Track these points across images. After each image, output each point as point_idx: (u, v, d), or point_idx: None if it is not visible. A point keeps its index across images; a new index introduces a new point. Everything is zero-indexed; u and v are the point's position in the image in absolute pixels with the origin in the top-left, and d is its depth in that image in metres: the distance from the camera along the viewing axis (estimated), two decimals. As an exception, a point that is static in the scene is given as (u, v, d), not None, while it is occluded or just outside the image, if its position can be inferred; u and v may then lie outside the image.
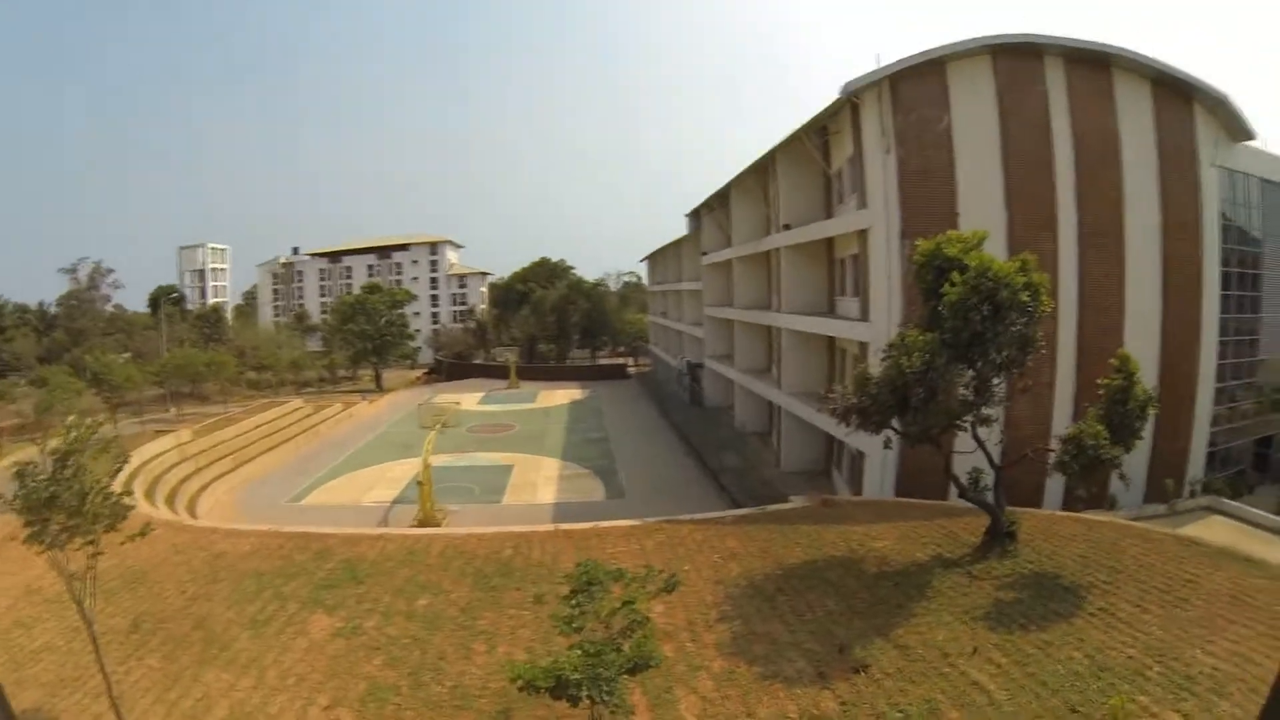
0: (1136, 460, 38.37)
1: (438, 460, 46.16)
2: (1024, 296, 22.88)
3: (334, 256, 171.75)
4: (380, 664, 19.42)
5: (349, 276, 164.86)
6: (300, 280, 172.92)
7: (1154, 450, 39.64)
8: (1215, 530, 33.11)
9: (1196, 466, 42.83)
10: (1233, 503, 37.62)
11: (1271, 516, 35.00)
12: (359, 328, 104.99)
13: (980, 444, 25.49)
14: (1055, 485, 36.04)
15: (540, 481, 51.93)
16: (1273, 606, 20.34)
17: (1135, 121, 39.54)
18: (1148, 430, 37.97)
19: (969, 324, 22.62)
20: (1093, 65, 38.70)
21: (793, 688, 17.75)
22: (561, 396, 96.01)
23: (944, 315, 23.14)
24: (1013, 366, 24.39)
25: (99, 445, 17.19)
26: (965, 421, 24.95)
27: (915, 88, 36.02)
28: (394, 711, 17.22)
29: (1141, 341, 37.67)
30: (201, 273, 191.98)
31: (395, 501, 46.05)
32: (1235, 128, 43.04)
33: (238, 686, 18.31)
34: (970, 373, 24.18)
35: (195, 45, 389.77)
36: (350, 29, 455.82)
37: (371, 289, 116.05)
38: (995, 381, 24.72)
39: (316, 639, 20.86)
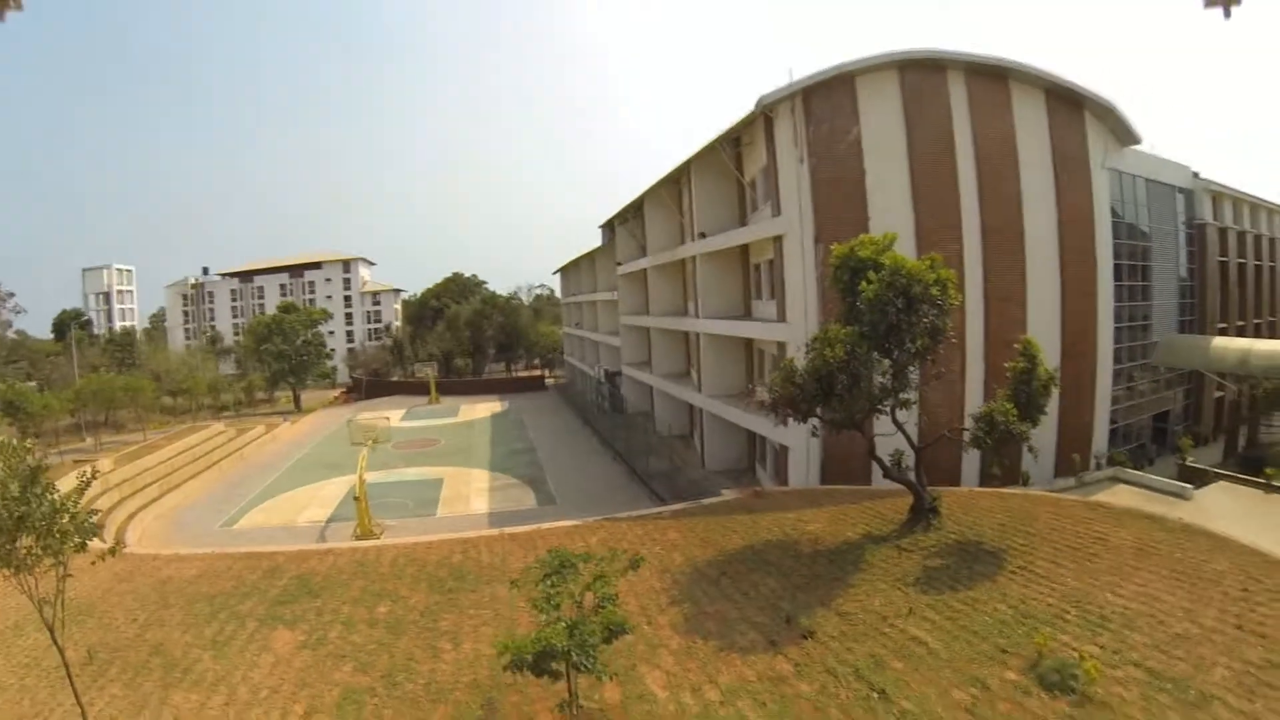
0: (1045, 438, 41.28)
1: (369, 478, 46.13)
2: (934, 291, 24.99)
3: (245, 276, 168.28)
4: (351, 670, 19.64)
5: (261, 296, 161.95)
6: (211, 301, 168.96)
7: (1061, 428, 42.96)
8: (1120, 497, 35.99)
9: (1100, 442, 46.08)
10: (1135, 472, 40.71)
11: (1170, 481, 38.27)
12: (276, 348, 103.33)
13: (899, 427, 27.57)
14: (971, 466, 38.65)
15: (472, 493, 52.33)
16: (1173, 554, 23.00)
17: (1031, 129, 42.42)
18: (1054, 409, 41.20)
19: (886, 317, 24.72)
20: (991, 78, 41.34)
21: (748, 656, 19.26)
22: (483, 410, 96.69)
23: (862, 310, 25.23)
24: (926, 354, 26.49)
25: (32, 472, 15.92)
26: (885, 406, 27.02)
27: (826, 101, 37.92)
28: (373, 711, 17.58)
29: (1044, 329, 40.46)
30: (107, 295, 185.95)
31: (330, 520, 46.01)
32: (1123, 133, 46.76)
33: (209, 705, 18.09)
34: (888, 362, 26.27)
35: (85, 54, 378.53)
36: (249, 42, 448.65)
37: (287, 308, 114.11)
38: (911, 369, 26.83)
39: (282, 653, 20.78)
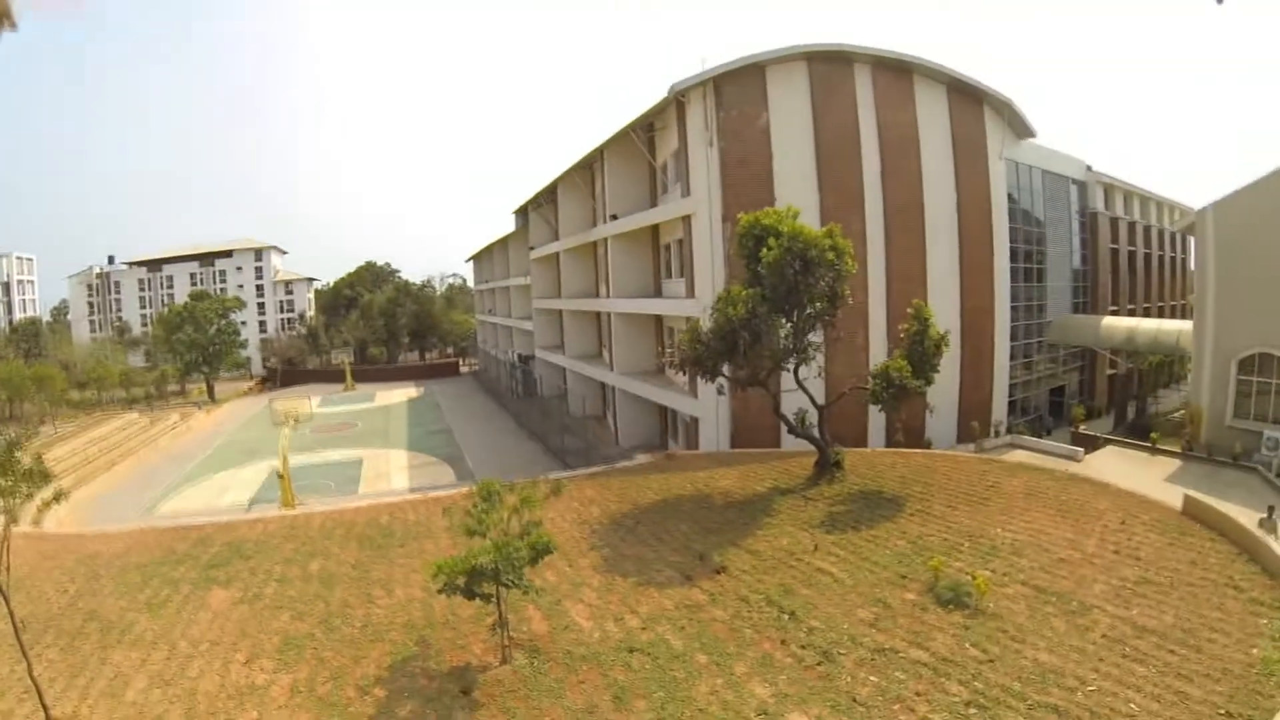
0: (947, 408, 43.81)
1: (290, 460, 45.60)
2: (830, 256, 26.88)
3: (154, 265, 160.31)
4: (288, 619, 20.31)
5: (171, 286, 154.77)
6: (118, 292, 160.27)
7: (961, 400, 45.49)
8: (1018, 460, 38.06)
9: (1000, 413, 48.67)
10: (1031, 438, 43.45)
11: (1063, 445, 41.01)
12: (188, 337, 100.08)
13: (801, 385, 29.41)
14: (878, 433, 40.97)
15: (392, 471, 52.95)
16: (1060, 497, 25.33)
17: (933, 120, 44.67)
18: (954, 382, 43.53)
19: (785, 279, 26.65)
20: (896, 71, 43.35)
21: (665, 589, 20.82)
22: (399, 395, 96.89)
23: (763, 274, 27.08)
24: (825, 317, 28.49)
25: None
26: (788, 365, 28.90)
27: (737, 88, 39.36)
28: (314, 653, 18.26)
29: (944, 305, 42.41)
30: (6, 285, 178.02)
31: (253, 501, 46.02)
32: (1020, 126, 49.33)
33: (150, 660, 18.31)
34: (789, 324, 28.15)
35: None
36: (158, 23, 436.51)
37: (199, 296, 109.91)
38: (810, 330, 28.67)
39: (219, 610, 21.22)
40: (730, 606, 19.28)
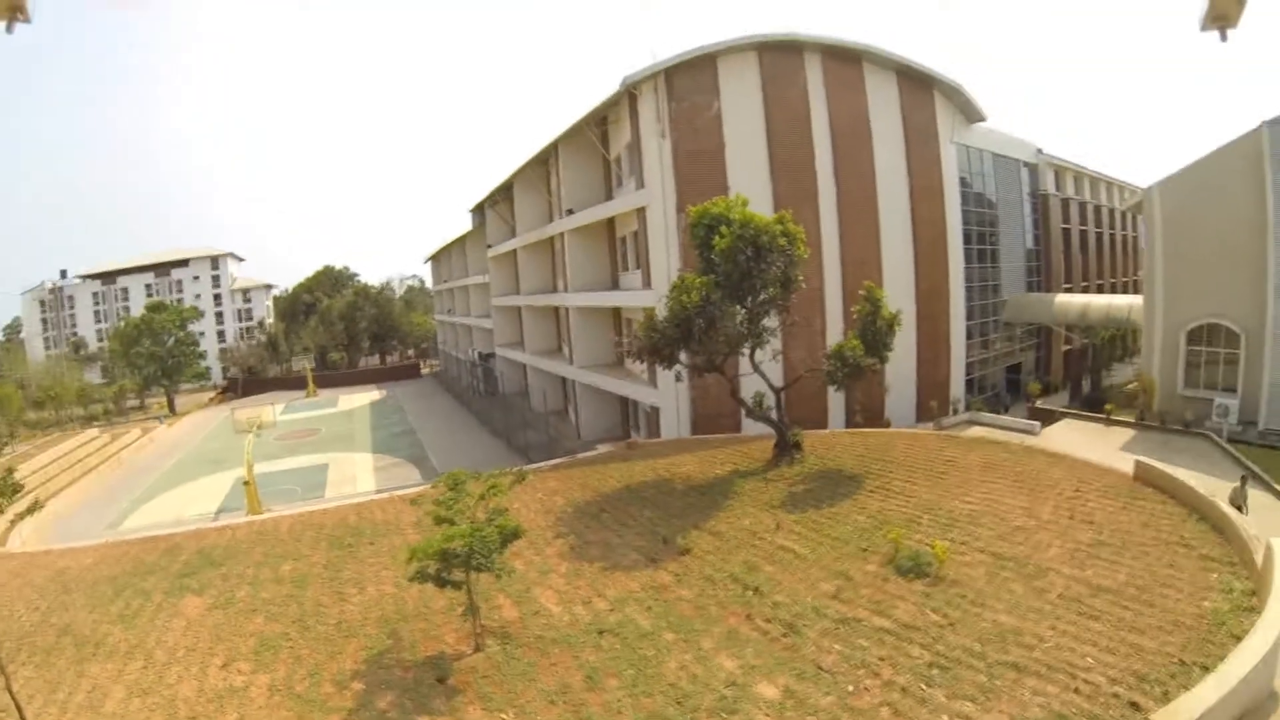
0: (905, 388, 44.57)
1: (255, 468, 45.45)
2: (781, 242, 27.27)
3: (107, 278, 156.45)
4: (263, 621, 20.18)
5: (126, 299, 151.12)
6: (72, 306, 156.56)
7: (919, 379, 46.27)
8: (976, 435, 38.87)
9: (957, 391, 49.56)
10: (988, 414, 44.43)
11: (1020, 420, 42.32)
12: (146, 350, 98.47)
13: (757, 368, 29.80)
14: (838, 415, 41.64)
15: (358, 474, 52.89)
16: (1016, 469, 25.84)
17: (884, 106, 45.32)
18: (912, 361, 44.18)
19: (737, 265, 26.95)
20: (846, 59, 43.94)
21: (631, 572, 21.10)
22: (361, 399, 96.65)
23: (716, 261, 27.35)
24: (779, 302, 28.85)
25: None
26: (745, 350, 29.24)
27: (689, 79, 39.63)
28: (290, 652, 18.20)
29: (899, 289, 43.18)
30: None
31: (220, 511, 45.56)
32: (970, 111, 50.09)
33: (127, 671, 18.04)
34: (743, 310, 28.44)
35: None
36: (86, 31, 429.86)
37: (156, 307, 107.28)
38: (764, 314, 28.98)
39: (193, 617, 20.96)
40: (695, 586, 19.55)
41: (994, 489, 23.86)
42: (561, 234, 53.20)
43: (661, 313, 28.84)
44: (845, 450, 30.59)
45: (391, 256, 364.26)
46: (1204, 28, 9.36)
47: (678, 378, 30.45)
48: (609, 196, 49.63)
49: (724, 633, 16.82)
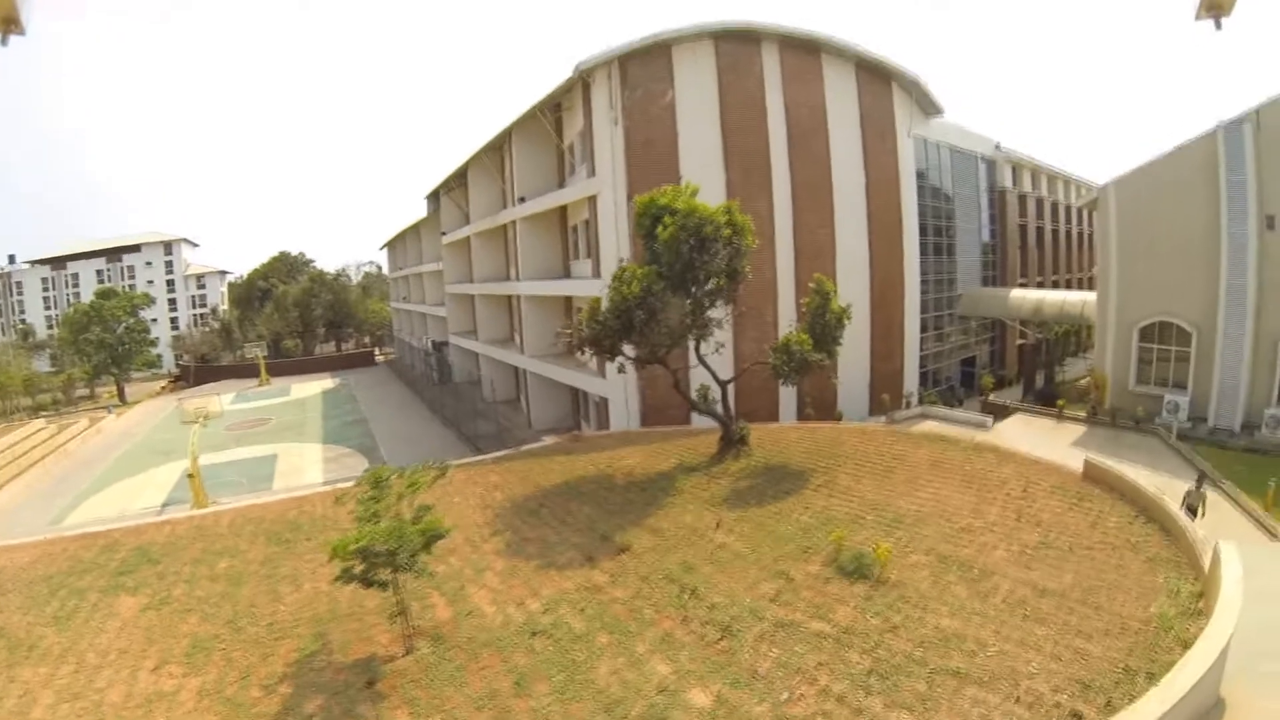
0: (858, 382, 44.41)
1: (202, 460, 45.08)
2: (727, 232, 26.62)
3: (57, 263, 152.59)
4: (196, 621, 19.58)
5: (76, 285, 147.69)
6: (20, 293, 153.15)
7: (873, 372, 46.18)
8: (927, 430, 38.59)
9: (911, 384, 49.56)
10: (941, 409, 44.09)
11: (973, 414, 41.94)
12: (96, 337, 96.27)
13: (703, 361, 29.04)
14: (789, 409, 41.39)
15: (306, 465, 52.02)
16: (964, 466, 25.30)
17: (841, 97, 44.96)
18: (865, 354, 44.13)
19: (680, 256, 26.20)
20: (804, 49, 43.42)
21: (566, 571, 20.43)
22: (314, 388, 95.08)
23: (660, 252, 26.61)
24: (725, 293, 28.21)
25: None
26: (689, 342, 28.65)
27: (643, 67, 38.87)
28: (222, 655, 17.67)
29: (853, 280, 43.40)
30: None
31: (166, 504, 44.33)
32: (928, 104, 50.08)
33: (58, 675, 17.52)
34: (688, 301, 27.70)
35: None
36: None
37: (106, 294, 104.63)
38: (709, 305, 28.24)
39: (127, 618, 20.29)
40: (631, 586, 18.94)
41: (942, 488, 23.40)
42: (514, 222, 52.51)
43: (605, 304, 28.19)
44: (793, 445, 30.04)
45: (351, 242, 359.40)
46: (1198, 17, 9.09)
47: (620, 369, 29.64)
48: (562, 184, 48.93)
49: (658, 636, 16.21)
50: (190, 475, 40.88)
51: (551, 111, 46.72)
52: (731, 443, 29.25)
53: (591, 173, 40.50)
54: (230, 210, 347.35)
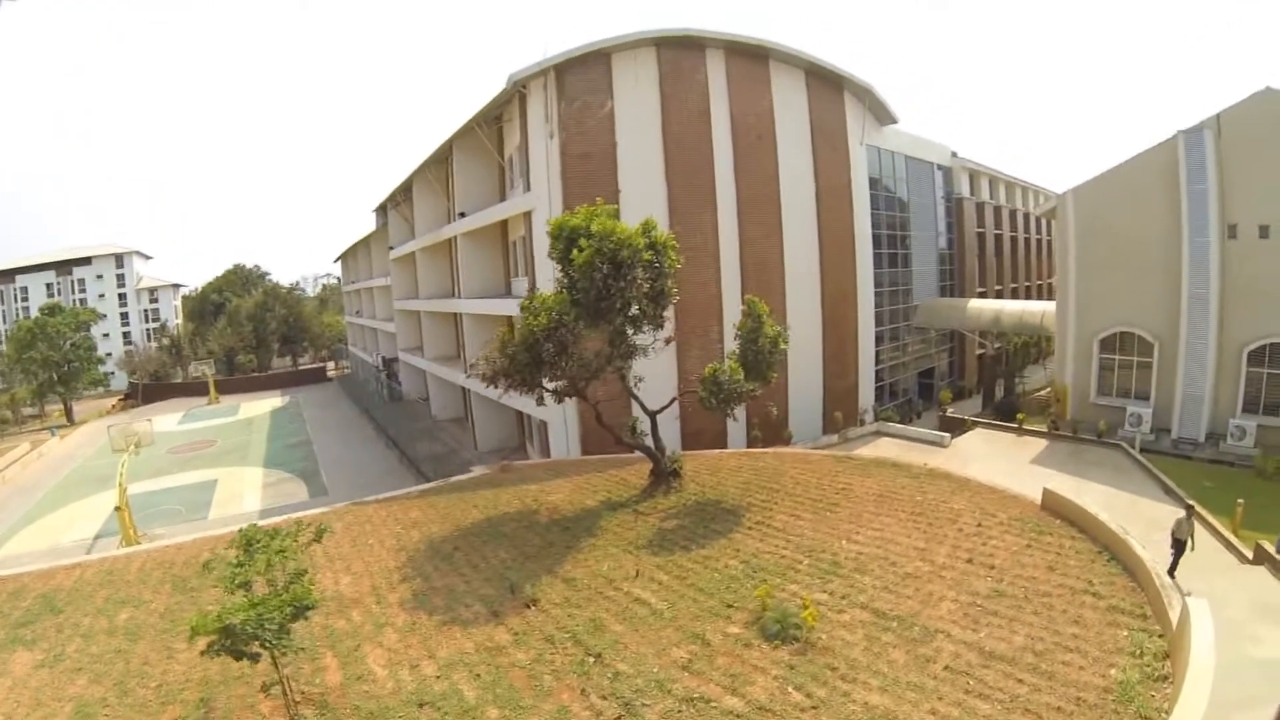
0: (811, 399, 42.96)
1: (140, 486, 44.04)
2: (647, 255, 24.40)
3: (5, 276, 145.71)
4: (85, 683, 18.21)
5: (26, 299, 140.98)
6: None
7: (826, 389, 44.57)
8: (883, 449, 37.48)
9: (866, 399, 47.98)
10: (897, 425, 42.51)
11: (929, 431, 40.38)
12: (40, 355, 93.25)
13: (630, 391, 27.23)
14: (739, 432, 39.27)
15: (245, 492, 50.67)
16: (914, 498, 23.60)
17: (790, 105, 43.33)
18: (818, 371, 42.67)
19: (594, 283, 24.03)
20: (751, 57, 41.77)
21: (469, 628, 18.57)
22: (263, 406, 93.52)
23: (575, 277, 24.43)
24: (650, 318, 26.06)
25: None
26: (605, 374, 26.64)
27: (580, 77, 37.03)
28: None
29: (803, 294, 42.10)
30: None
31: (97, 536, 42.88)
32: (881, 112, 48.66)
33: None
34: (609, 328, 25.60)
35: None
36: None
37: (51, 310, 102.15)
38: (631, 333, 26.20)
39: (19, 676, 19.02)
40: (534, 648, 17.03)
41: (888, 524, 21.58)
42: (455, 238, 50.80)
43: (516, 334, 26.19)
44: (731, 476, 28.23)
45: (310, 253, 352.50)
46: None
47: (539, 402, 27.44)
48: (503, 199, 47.23)
49: (553, 710, 14.31)
50: (118, 509, 38.72)
51: (492, 124, 45.11)
52: (662, 477, 27.37)
53: (527, 187, 38.82)
54: (185, 222, 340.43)
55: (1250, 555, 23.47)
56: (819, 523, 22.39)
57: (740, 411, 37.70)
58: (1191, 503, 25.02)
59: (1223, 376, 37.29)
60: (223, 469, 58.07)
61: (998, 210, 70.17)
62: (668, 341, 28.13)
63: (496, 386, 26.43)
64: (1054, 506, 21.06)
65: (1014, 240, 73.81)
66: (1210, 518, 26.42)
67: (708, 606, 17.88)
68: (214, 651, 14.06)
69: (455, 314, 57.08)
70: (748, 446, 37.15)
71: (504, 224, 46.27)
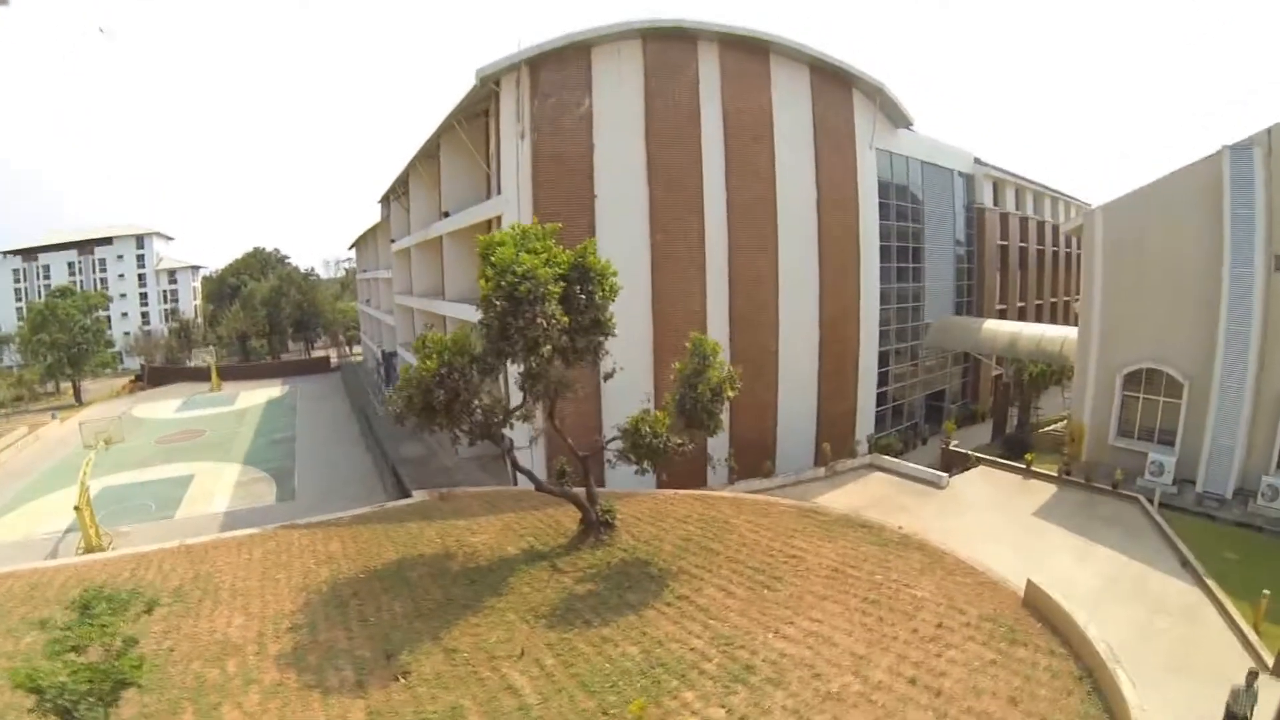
0: (803, 425, 40.90)
1: (120, 478, 45.31)
2: (554, 289, 21.24)
3: (29, 254, 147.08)
4: None
5: (48, 277, 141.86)
6: None
7: (820, 414, 41.91)
8: (874, 487, 34.68)
9: (866, 425, 45.00)
10: (892, 460, 38.53)
11: (926, 470, 36.67)
12: (51, 337, 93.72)
13: (559, 432, 24.72)
14: (722, 456, 35.93)
15: (217, 490, 49.16)
16: (873, 577, 20.39)
17: (791, 105, 40.32)
18: (811, 394, 40.71)
19: (492, 322, 21.35)
20: (749, 51, 38.83)
21: (329, 698, 16.76)
22: (261, 395, 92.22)
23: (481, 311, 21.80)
24: (577, 354, 23.12)
25: None
26: (513, 417, 24.09)
27: (557, 72, 34.47)
28: None
29: (799, 309, 39.51)
30: None
31: (67, 530, 41.44)
32: (895, 114, 45.32)
33: None
34: (519, 367, 22.72)
35: None
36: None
37: (62, 292, 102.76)
38: (561, 366, 23.37)
39: None
40: (378, 740, 14.61)
41: (831, 614, 18.34)
42: (441, 237, 48.62)
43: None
44: (672, 529, 25.19)
45: (333, 237, 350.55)
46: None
47: (454, 441, 24.31)
48: (488, 198, 44.41)
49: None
50: (77, 509, 37.04)
51: (479, 120, 42.78)
52: (592, 527, 24.40)
53: (498, 189, 36.50)
54: (209, 204, 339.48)
55: (1271, 664, 18.81)
56: (750, 604, 19.34)
57: (721, 441, 34.58)
58: (1255, 668, 18.40)
59: (1258, 426, 33.32)
60: (203, 464, 56.74)
61: (1024, 221, 66.23)
62: (606, 378, 24.76)
63: (404, 425, 23.54)
64: (1037, 603, 17.83)
65: (1040, 254, 69.77)
66: (1228, 603, 22.21)
67: (583, 708, 15.26)
68: (40, 712, 13.22)
69: (445, 315, 54.68)
70: (728, 481, 34.08)
71: (487, 225, 42.90)
